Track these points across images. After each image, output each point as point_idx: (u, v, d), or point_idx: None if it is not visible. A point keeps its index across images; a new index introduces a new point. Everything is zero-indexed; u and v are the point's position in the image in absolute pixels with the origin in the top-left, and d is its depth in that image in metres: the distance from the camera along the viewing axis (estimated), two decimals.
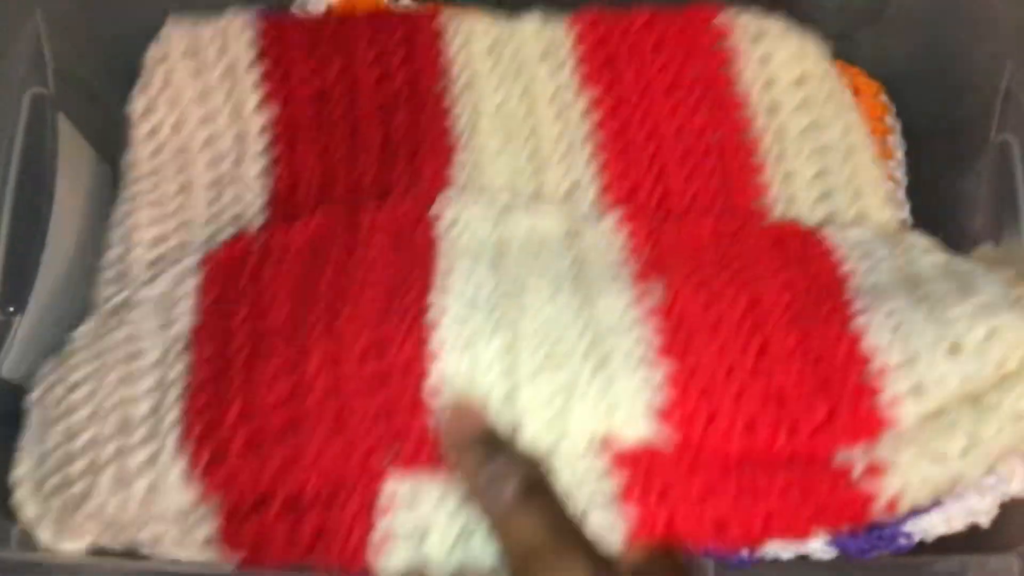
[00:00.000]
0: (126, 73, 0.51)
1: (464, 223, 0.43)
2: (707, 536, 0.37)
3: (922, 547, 0.42)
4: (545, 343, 0.39)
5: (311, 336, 0.39)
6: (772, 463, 0.38)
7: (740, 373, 0.39)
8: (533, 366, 0.39)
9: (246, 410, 0.38)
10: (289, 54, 0.49)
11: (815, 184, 0.48)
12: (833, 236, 0.44)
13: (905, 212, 0.51)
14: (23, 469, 0.41)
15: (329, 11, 0.53)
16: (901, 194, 0.52)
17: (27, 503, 0.40)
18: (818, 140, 0.49)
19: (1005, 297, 0.39)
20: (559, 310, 0.40)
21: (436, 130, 0.48)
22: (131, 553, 0.40)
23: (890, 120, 0.54)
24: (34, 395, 0.42)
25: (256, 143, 0.48)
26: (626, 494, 0.37)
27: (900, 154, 0.53)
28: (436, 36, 0.50)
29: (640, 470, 0.38)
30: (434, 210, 0.44)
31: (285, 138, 0.48)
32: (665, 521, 0.37)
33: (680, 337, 0.39)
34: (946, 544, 0.41)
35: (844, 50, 0.55)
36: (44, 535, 0.40)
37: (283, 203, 0.47)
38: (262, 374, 0.39)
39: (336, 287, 0.41)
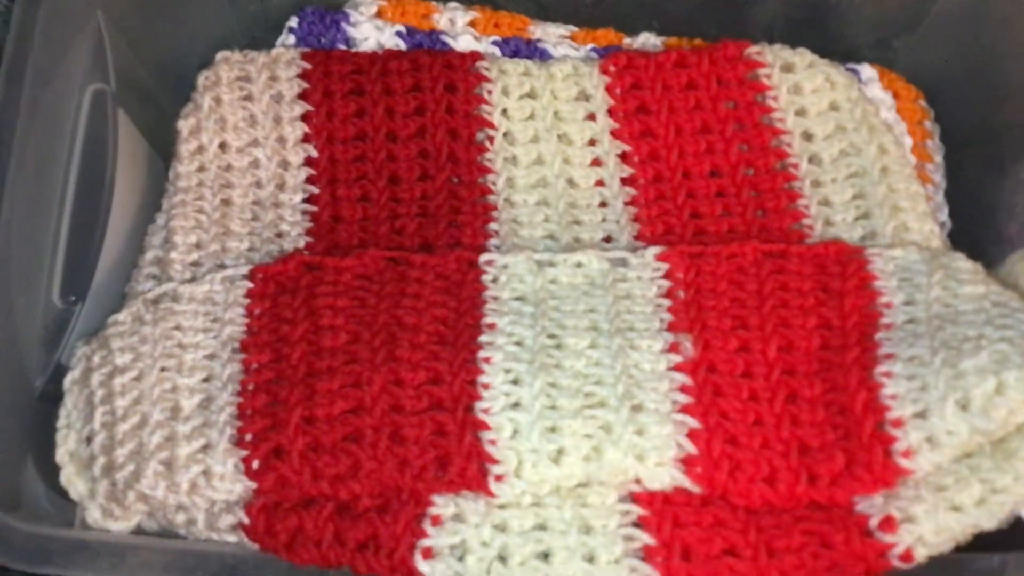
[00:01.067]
0: (181, 73, 0.53)
1: (509, 273, 0.45)
2: None
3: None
4: (586, 384, 0.42)
5: (374, 361, 0.42)
6: (791, 516, 0.40)
7: (766, 423, 0.41)
8: (576, 404, 0.41)
9: (308, 417, 0.41)
10: (333, 94, 0.51)
11: (852, 206, 0.49)
12: (876, 260, 0.45)
13: (944, 215, 0.52)
14: (67, 448, 0.42)
15: (379, 13, 0.54)
16: (940, 197, 0.53)
17: (75, 482, 0.42)
18: (852, 165, 0.50)
19: (1017, 349, 0.40)
20: (599, 354, 0.42)
21: (476, 189, 0.50)
22: (170, 534, 0.42)
23: (929, 125, 0.55)
24: (73, 376, 0.44)
25: (298, 174, 0.50)
26: (651, 551, 0.39)
27: (939, 158, 0.54)
28: (476, 84, 0.52)
29: (666, 524, 0.39)
30: (480, 261, 0.46)
31: (327, 175, 0.50)
32: None
33: (707, 393, 0.41)
34: (985, 540, 0.41)
35: (884, 56, 0.56)
36: (93, 514, 0.41)
37: (326, 234, 0.49)
38: (325, 388, 0.41)
39: (393, 320, 0.43)
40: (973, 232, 0.52)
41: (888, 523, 0.39)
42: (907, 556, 0.39)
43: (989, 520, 0.39)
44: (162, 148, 0.53)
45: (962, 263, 0.45)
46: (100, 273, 0.47)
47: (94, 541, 0.41)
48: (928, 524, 0.39)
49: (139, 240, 0.49)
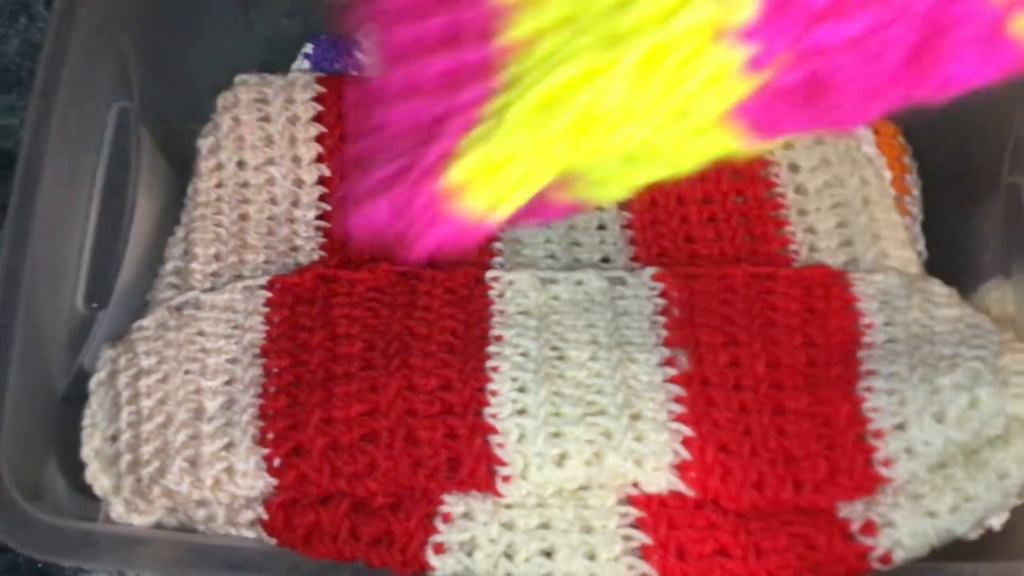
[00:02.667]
0: (195, 92, 0.55)
1: (514, 289, 0.48)
2: None
3: (934, 553, 0.44)
4: (588, 393, 0.44)
5: (388, 367, 0.44)
6: (778, 519, 0.42)
7: (755, 433, 0.43)
8: (578, 412, 0.43)
9: (327, 418, 0.43)
10: (345, 117, 0.53)
11: (835, 233, 0.51)
12: (858, 283, 0.48)
13: (921, 246, 0.55)
14: (93, 446, 0.44)
15: None
16: (917, 228, 0.55)
17: (100, 478, 0.44)
18: (836, 195, 0.52)
19: (989, 368, 0.43)
20: (599, 366, 0.45)
21: None
22: (191, 529, 0.44)
23: (907, 160, 0.57)
24: (98, 378, 0.46)
25: (312, 192, 0.52)
26: (648, 551, 0.41)
27: (916, 191, 0.56)
28: None
29: (662, 526, 0.42)
30: (487, 277, 0.48)
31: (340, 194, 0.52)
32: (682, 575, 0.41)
33: (700, 404, 0.44)
34: (958, 549, 0.43)
35: None
36: (117, 509, 0.43)
37: (339, 249, 0.51)
38: (342, 391, 0.43)
39: (405, 329, 0.46)
40: (948, 262, 0.54)
41: (869, 527, 0.41)
42: (886, 558, 0.41)
43: (961, 526, 0.42)
44: (174, 163, 0.55)
45: (938, 288, 0.48)
46: (121, 281, 0.49)
47: (103, 534, 0.43)
48: (906, 529, 0.41)
49: (157, 251, 0.51)
